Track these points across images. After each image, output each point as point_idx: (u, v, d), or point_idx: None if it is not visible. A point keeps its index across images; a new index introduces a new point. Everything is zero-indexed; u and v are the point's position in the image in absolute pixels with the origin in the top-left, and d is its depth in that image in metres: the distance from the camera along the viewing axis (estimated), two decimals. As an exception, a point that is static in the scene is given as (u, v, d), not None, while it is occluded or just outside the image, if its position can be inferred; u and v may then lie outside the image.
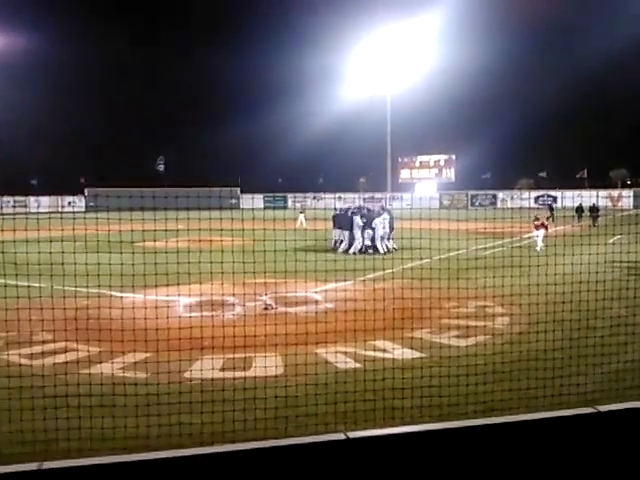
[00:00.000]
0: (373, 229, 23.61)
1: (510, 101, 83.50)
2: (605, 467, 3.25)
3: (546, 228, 24.74)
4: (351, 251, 23.05)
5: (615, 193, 63.97)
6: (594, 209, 36.21)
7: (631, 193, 63.31)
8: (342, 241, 23.88)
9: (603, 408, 3.30)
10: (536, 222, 25.16)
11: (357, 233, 23.47)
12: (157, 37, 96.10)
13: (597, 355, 7.42)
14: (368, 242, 23.46)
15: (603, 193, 57.97)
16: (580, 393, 6.41)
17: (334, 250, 23.12)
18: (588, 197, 39.89)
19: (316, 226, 23.81)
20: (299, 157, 79.92)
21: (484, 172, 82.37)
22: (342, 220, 24.33)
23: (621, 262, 16.43)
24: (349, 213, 24.70)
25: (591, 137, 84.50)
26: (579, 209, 38.14)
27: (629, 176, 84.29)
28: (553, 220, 36.34)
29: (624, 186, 76.19)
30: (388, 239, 23.85)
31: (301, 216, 34.25)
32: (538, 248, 22.86)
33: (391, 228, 24.18)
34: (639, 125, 75.08)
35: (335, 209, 26.52)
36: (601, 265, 10.83)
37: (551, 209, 40.48)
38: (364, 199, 56.80)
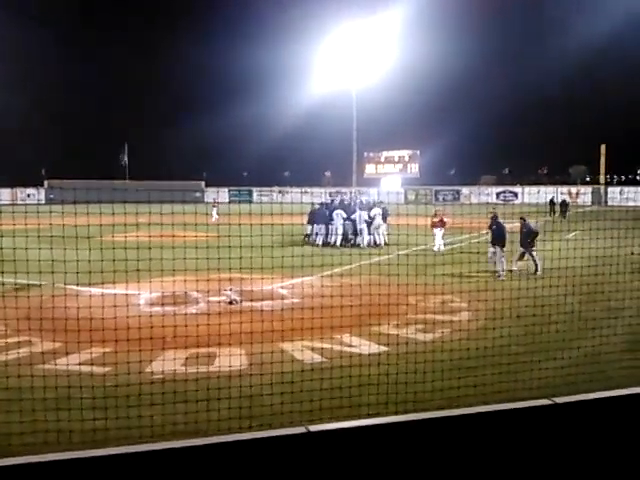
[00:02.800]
0: (353, 221, 23.59)
1: (473, 98, 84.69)
2: (561, 458, 3.29)
3: (444, 225, 21.22)
4: (332, 242, 22.88)
5: (574, 190, 65.46)
6: (564, 204, 40.38)
7: (589, 190, 64.94)
8: (317, 234, 23.66)
9: (560, 400, 3.31)
10: (434, 219, 21.25)
11: (339, 227, 23.36)
12: (122, 30, 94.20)
13: (558, 349, 7.51)
14: (349, 235, 23.54)
15: (563, 189, 59.36)
16: (541, 387, 6.47)
17: (308, 243, 22.70)
18: (544, 193, 43.26)
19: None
20: (265, 151, 79.57)
21: (448, 168, 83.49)
22: (318, 215, 24.01)
23: (578, 257, 16.73)
24: (328, 208, 24.58)
25: (552, 134, 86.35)
26: (551, 203, 41.48)
27: (588, 173, 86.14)
28: (554, 214, 39.28)
29: (583, 183, 77.93)
30: (378, 233, 23.58)
31: (214, 210, 34.26)
32: (435, 248, 19.81)
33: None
34: (600, 123, 76.92)
35: (314, 204, 25.67)
36: (559, 260, 11.00)
37: (552, 203, 41.33)
38: (330, 193, 56.85)
